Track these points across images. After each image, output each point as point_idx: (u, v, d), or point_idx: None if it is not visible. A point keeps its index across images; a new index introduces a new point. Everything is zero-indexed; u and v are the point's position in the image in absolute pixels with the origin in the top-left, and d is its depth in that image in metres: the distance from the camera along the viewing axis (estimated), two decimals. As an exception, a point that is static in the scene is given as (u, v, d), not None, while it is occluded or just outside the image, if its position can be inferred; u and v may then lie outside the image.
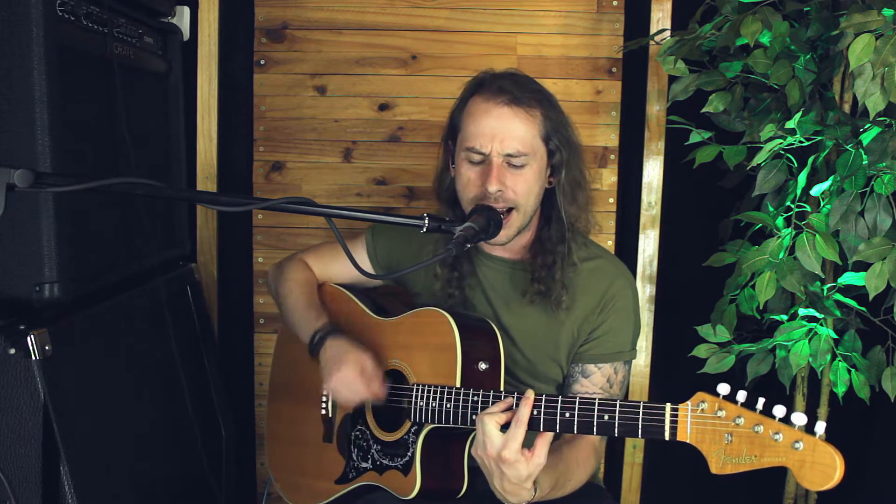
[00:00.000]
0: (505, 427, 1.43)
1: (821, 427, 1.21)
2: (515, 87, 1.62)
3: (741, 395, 1.27)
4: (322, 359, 1.69)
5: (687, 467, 2.40)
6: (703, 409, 1.29)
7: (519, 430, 1.40)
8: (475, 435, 1.49)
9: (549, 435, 1.42)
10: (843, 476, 1.18)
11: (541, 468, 1.41)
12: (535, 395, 1.45)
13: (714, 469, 1.28)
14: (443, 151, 1.76)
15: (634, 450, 2.39)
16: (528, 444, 1.41)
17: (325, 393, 1.80)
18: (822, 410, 2.03)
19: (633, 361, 2.31)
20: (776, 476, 2.15)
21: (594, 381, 1.71)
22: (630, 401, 1.39)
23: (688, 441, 1.30)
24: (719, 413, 1.28)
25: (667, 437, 1.32)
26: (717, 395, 1.29)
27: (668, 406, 1.33)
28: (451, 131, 1.70)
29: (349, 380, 1.62)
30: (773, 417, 1.24)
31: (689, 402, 1.31)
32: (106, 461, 1.65)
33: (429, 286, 1.79)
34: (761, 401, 1.25)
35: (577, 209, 1.69)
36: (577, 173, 1.69)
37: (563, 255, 1.68)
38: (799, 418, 1.22)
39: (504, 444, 1.40)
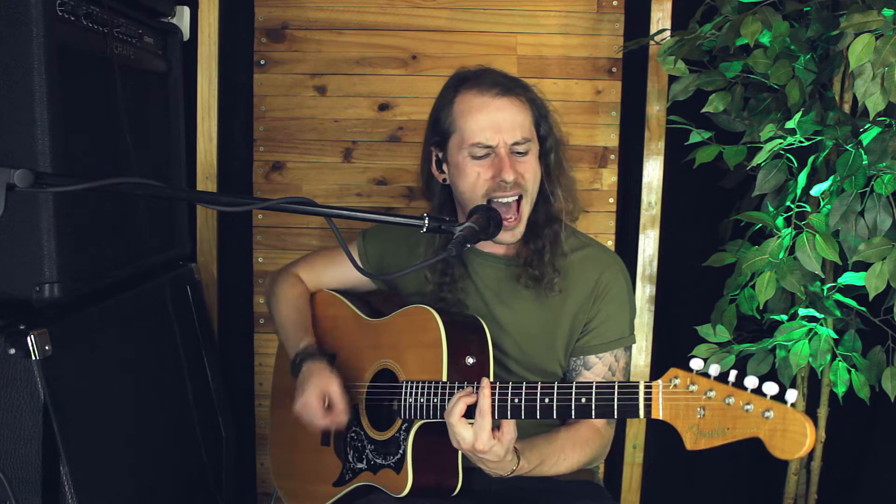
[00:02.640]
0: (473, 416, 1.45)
1: (791, 395, 1.19)
2: (500, 78, 1.65)
3: (713, 369, 1.26)
4: (297, 381, 1.72)
5: (687, 468, 2.41)
6: (675, 385, 1.28)
7: (485, 421, 1.43)
8: None
9: None
10: (813, 444, 1.17)
11: (514, 440, 1.46)
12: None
13: (689, 445, 1.26)
14: (424, 158, 1.77)
15: (634, 450, 2.39)
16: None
17: None
18: (822, 410, 2.03)
19: (634, 362, 2.32)
20: (776, 476, 2.15)
21: (596, 371, 1.72)
22: (606, 382, 1.40)
23: (661, 418, 1.30)
24: (691, 388, 1.27)
25: (641, 415, 1.32)
26: (691, 370, 1.28)
27: (642, 384, 1.33)
28: (438, 135, 1.70)
29: (309, 406, 1.66)
30: (745, 389, 1.23)
31: (661, 380, 1.30)
32: (106, 461, 1.65)
33: (421, 289, 1.80)
34: (733, 373, 1.24)
35: (563, 191, 1.72)
36: (562, 156, 1.72)
37: (551, 237, 1.69)
38: (770, 388, 1.20)
39: (475, 437, 1.43)
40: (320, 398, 1.65)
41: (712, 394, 1.25)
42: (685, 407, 1.27)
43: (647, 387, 1.32)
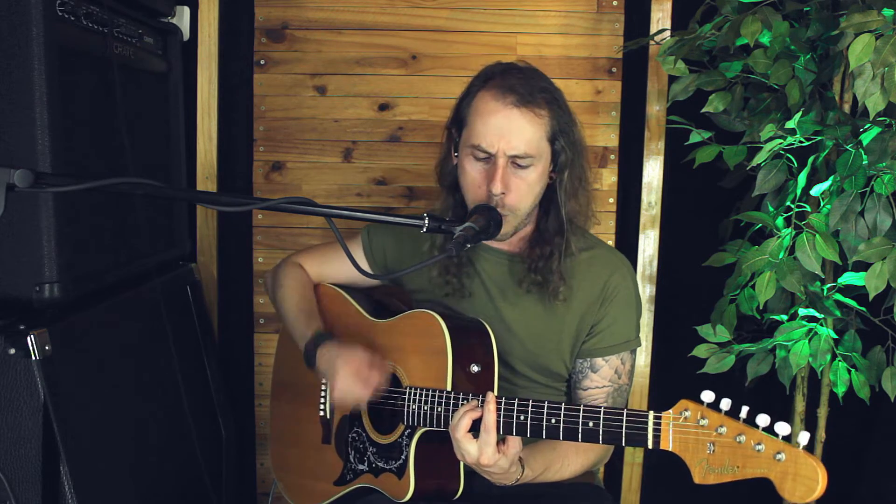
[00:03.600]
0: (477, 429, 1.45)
1: (804, 438, 1.18)
2: (524, 86, 1.60)
3: (725, 403, 1.25)
4: (319, 371, 1.70)
5: (687, 468, 2.40)
6: (685, 418, 1.27)
7: (489, 436, 1.43)
8: None
9: None
10: (824, 490, 1.16)
11: (519, 452, 1.46)
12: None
13: (697, 479, 1.26)
14: (446, 138, 1.76)
15: (634, 450, 2.39)
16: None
17: (322, 395, 1.80)
18: (822, 410, 2.03)
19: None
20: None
21: (603, 374, 1.71)
22: (614, 408, 1.39)
23: (670, 450, 1.29)
24: (702, 422, 1.25)
25: (650, 446, 1.31)
26: (702, 402, 1.26)
27: (651, 414, 1.31)
28: (457, 121, 1.69)
29: (347, 387, 1.62)
30: (757, 427, 1.21)
31: (671, 411, 1.29)
32: (106, 461, 1.65)
33: (426, 286, 1.80)
34: (745, 409, 1.23)
35: (577, 206, 1.69)
36: (580, 172, 1.69)
37: (560, 247, 1.68)
38: (782, 428, 1.19)
39: (480, 452, 1.43)
40: (354, 374, 1.62)
41: (723, 430, 1.24)
42: (695, 441, 1.26)
43: (656, 417, 1.31)
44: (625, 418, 1.35)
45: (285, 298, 1.86)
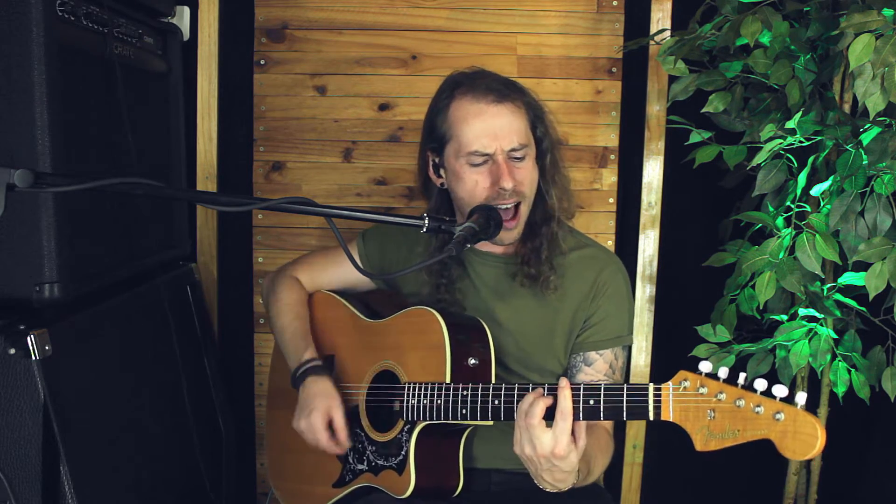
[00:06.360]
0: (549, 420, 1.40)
1: (801, 398, 1.20)
2: (496, 84, 1.64)
3: (723, 372, 1.26)
4: (300, 395, 1.71)
5: (687, 468, 2.41)
6: (685, 388, 1.29)
7: (566, 424, 1.36)
8: (470, 430, 1.51)
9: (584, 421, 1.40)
10: (824, 445, 1.18)
11: (583, 450, 1.40)
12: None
13: (699, 446, 1.27)
14: (421, 161, 1.76)
15: (634, 450, 2.39)
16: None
17: None
18: (822, 411, 2.03)
19: (634, 362, 2.32)
20: (776, 476, 2.15)
21: (597, 368, 1.71)
22: (613, 384, 1.39)
23: (671, 420, 1.30)
24: (701, 390, 1.27)
25: (651, 417, 1.32)
26: (700, 372, 1.28)
27: (651, 386, 1.32)
28: (435, 141, 1.69)
29: (314, 429, 1.65)
30: (755, 391, 1.23)
31: (670, 382, 1.30)
32: (106, 461, 1.66)
33: (420, 289, 1.80)
34: (742, 375, 1.25)
35: (559, 190, 1.71)
36: (557, 156, 1.73)
37: (548, 236, 1.69)
38: (780, 390, 1.21)
39: (555, 441, 1.36)
40: (325, 421, 1.65)
41: (722, 396, 1.25)
42: (695, 409, 1.27)
43: (656, 389, 1.32)
44: (625, 392, 1.35)
45: (280, 314, 1.86)
